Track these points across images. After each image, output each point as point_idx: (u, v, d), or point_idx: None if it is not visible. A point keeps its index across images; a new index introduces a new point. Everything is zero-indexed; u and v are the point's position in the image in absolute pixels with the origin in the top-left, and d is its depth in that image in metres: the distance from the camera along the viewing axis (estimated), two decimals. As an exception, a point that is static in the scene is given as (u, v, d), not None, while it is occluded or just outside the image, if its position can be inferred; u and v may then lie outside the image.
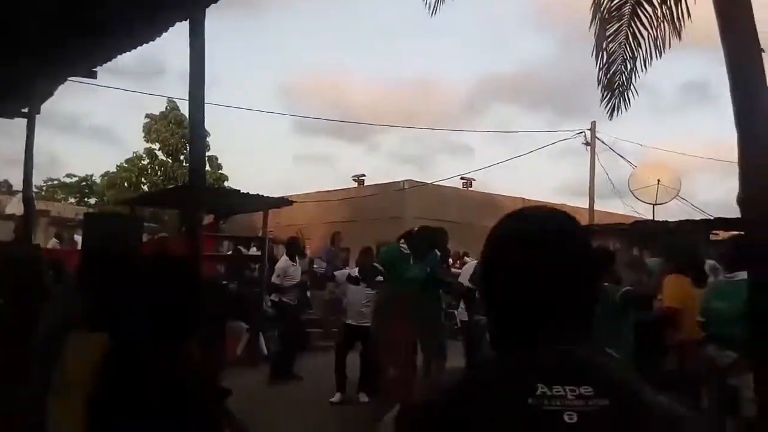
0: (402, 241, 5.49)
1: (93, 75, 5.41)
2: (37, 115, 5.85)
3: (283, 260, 8.16)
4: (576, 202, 20.34)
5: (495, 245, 0.96)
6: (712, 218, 10.01)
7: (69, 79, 5.55)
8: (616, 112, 6.97)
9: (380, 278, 6.82)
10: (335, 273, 7.90)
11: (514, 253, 0.92)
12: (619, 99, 6.85)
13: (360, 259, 7.33)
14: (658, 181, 13.36)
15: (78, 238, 13.47)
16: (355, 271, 7.13)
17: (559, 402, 0.80)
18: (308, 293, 10.49)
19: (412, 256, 5.34)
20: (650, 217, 12.70)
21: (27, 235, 6.60)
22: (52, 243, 10.98)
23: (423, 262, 5.40)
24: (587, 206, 17.30)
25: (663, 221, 10.68)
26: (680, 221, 10.02)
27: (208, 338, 2.64)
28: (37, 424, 2.66)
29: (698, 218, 10.07)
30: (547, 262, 0.89)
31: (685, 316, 4.27)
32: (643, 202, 13.95)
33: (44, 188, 25.37)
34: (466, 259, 10.54)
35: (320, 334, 10.78)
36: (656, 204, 13.66)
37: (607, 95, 6.89)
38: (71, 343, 2.52)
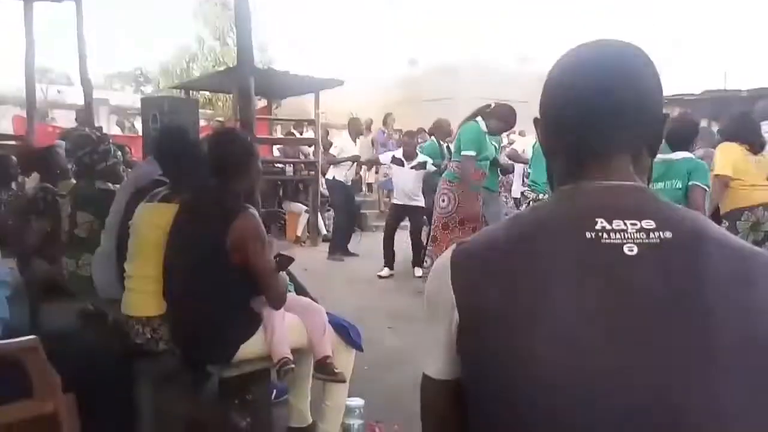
0: (479, 117, 5.30)
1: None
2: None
3: (347, 139, 8.20)
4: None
5: (552, 79, 0.91)
6: (790, 85, 9.32)
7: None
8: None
9: (424, 162, 6.88)
10: (380, 156, 7.88)
11: (572, 85, 0.87)
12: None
13: (404, 141, 7.22)
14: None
15: (138, 125, 13.86)
16: (399, 152, 7.06)
17: (620, 235, 0.77)
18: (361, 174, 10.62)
19: (487, 133, 5.22)
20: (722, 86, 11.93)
21: (89, 121, 6.72)
22: (115, 130, 11.31)
23: (494, 139, 5.39)
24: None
25: (735, 90, 10.02)
26: (753, 89, 9.38)
27: (267, 218, 2.70)
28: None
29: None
30: (607, 95, 0.84)
31: (738, 183, 4.10)
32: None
33: (102, 78, 25.81)
34: (512, 137, 10.22)
35: (375, 215, 11.04)
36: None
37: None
38: (142, 214, 2.64)
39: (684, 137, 3.76)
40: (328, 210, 10.08)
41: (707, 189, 3.70)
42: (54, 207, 3.86)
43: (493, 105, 5.31)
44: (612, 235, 0.77)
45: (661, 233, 0.77)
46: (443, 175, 5.69)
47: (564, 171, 0.90)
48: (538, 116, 0.95)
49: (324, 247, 8.64)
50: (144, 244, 2.56)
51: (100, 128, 5.60)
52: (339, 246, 7.91)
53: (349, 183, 8.18)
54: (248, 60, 3.69)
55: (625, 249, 0.76)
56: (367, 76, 20.14)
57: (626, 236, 0.77)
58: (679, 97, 9.43)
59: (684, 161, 3.67)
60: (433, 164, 6.85)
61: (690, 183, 3.60)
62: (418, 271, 6.77)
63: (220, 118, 10.19)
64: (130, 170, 5.13)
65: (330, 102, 9.89)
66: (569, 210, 0.83)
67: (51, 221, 3.88)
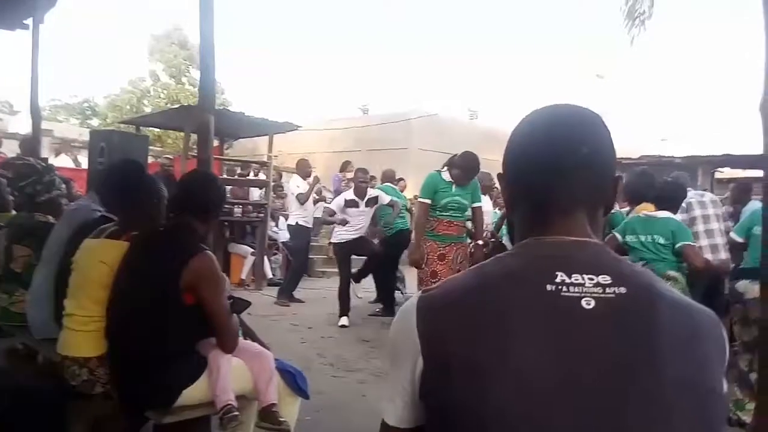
0: (444, 168, 5.21)
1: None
2: (41, 24, 5.65)
3: (299, 179, 7.98)
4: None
5: (514, 138, 0.97)
6: (719, 155, 9.96)
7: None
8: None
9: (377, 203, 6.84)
10: (332, 206, 7.43)
11: (537, 143, 0.92)
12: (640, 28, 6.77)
13: (357, 177, 7.06)
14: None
15: (81, 158, 13.46)
16: (350, 194, 6.96)
17: (577, 289, 0.81)
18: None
19: (453, 183, 5.09)
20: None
21: (34, 152, 6.51)
22: (65, 161, 10.92)
23: (465, 189, 5.16)
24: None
25: (670, 156, 10.63)
26: (687, 156, 9.98)
27: (235, 305, 2.64)
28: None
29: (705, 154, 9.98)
30: (571, 154, 0.89)
31: None
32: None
33: (47, 108, 25.13)
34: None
35: (322, 261, 10.96)
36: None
37: (627, 24, 6.82)
38: (87, 250, 2.56)
39: (673, 198, 4.00)
40: (275, 253, 9.96)
41: (694, 245, 3.88)
42: (-10, 239, 3.69)
43: (457, 156, 5.21)
44: (571, 288, 0.82)
45: (616, 288, 0.82)
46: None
47: (526, 224, 0.94)
48: (501, 171, 1.00)
49: (269, 291, 8.51)
50: (87, 282, 2.47)
51: (45, 159, 5.42)
52: (288, 291, 7.77)
53: (310, 226, 8.06)
54: (209, 99, 3.68)
55: (583, 302, 0.81)
56: (320, 121, 20.35)
57: (584, 290, 0.81)
58: (618, 160, 9.89)
59: (667, 220, 3.85)
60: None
61: (680, 245, 3.75)
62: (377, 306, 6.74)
63: (169, 155, 10.02)
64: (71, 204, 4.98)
65: (281, 145, 9.90)
66: (532, 262, 0.87)
67: (-15, 253, 3.70)
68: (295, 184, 7.85)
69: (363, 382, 4.56)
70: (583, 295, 0.81)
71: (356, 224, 6.81)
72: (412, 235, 5.59)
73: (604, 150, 0.93)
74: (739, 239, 4.10)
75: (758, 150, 2.93)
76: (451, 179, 5.09)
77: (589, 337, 0.79)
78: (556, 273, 0.83)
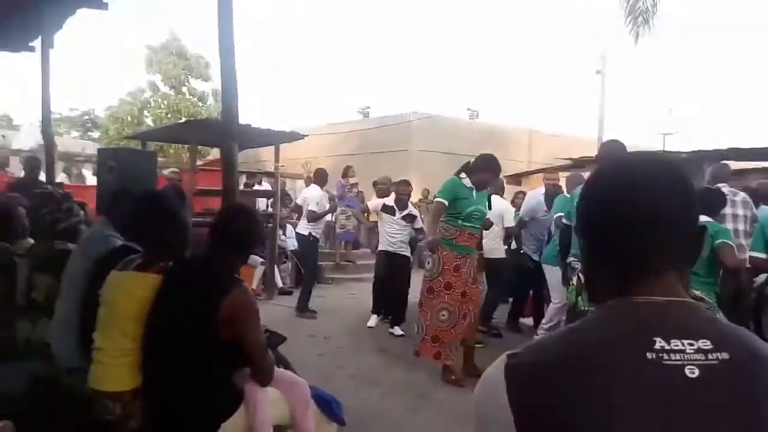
0: (462, 174, 4.99)
1: (103, 6, 5.19)
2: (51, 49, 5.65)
3: (316, 189, 7.80)
4: (586, 133, 20.25)
5: (594, 192, 0.93)
6: (724, 148, 9.90)
7: (78, 9, 5.34)
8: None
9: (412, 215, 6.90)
10: (368, 203, 7.51)
11: (617, 203, 0.89)
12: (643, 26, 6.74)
13: (398, 190, 6.97)
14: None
15: (86, 172, 13.43)
16: (390, 200, 6.91)
17: (679, 356, 0.78)
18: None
19: (473, 189, 4.90)
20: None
21: (49, 171, 6.55)
22: (61, 178, 10.89)
23: (482, 197, 4.99)
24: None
25: (676, 151, 10.58)
26: (693, 151, 9.93)
27: (271, 339, 2.65)
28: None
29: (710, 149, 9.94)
30: (664, 210, 0.86)
31: None
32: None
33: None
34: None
35: (331, 268, 10.92)
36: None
37: (629, 22, 6.79)
38: (115, 282, 2.53)
39: (711, 204, 4.07)
40: (284, 262, 9.93)
41: (734, 245, 3.89)
42: (10, 268, 3.67)
43: (471, 161, 5.08)
44: (672, 355, 0.78)
45: (719, 354, 0.79)
46: None
47: (611, 282, 0.90)
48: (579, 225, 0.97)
49: (280, 300, 8.49)
50: (117, 315, 2.45)
51: (60, 184, 5.38)
52: (305, 303, 7.65)
53: (319, 236, 8.01)
54: (234, 122, 3.55)
55: (686, 371, 0.77)
56: (321, 125, 20.34)
57: (686, 357, 0.78)
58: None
59: (708, 225, 3.83)
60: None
61: (718, 242, 3.78)
62: (398, 330, 6.61)
63: (175, 169, 9.95)
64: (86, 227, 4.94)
65: (282, 151, 9.84)
66: (627, 327, 0.83)
67: (5, 282, 3.68)
68: (312, 198, 7.66)
69: (386, 395, 4.55)
70: (685, 362, 0.78)
71: (393, 233, 6.84)
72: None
73: (692, 203, 0.90)
74: (763, 255, 4.04)
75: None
76: (472, 185, 4.92)
77: (697, 408, 0.76)
78: (654, 339, 0.79)
